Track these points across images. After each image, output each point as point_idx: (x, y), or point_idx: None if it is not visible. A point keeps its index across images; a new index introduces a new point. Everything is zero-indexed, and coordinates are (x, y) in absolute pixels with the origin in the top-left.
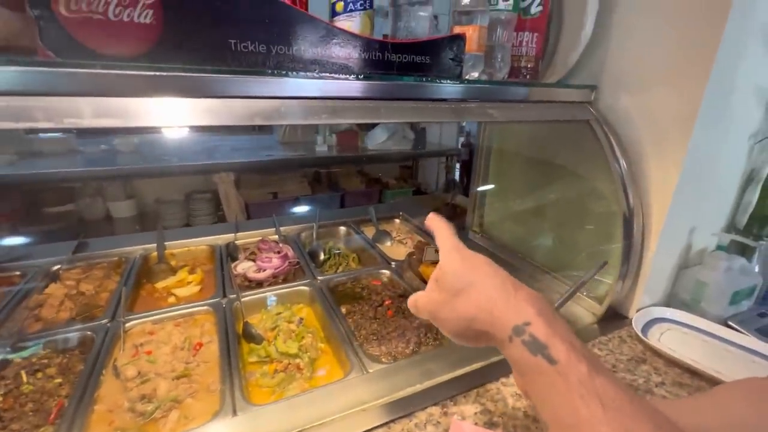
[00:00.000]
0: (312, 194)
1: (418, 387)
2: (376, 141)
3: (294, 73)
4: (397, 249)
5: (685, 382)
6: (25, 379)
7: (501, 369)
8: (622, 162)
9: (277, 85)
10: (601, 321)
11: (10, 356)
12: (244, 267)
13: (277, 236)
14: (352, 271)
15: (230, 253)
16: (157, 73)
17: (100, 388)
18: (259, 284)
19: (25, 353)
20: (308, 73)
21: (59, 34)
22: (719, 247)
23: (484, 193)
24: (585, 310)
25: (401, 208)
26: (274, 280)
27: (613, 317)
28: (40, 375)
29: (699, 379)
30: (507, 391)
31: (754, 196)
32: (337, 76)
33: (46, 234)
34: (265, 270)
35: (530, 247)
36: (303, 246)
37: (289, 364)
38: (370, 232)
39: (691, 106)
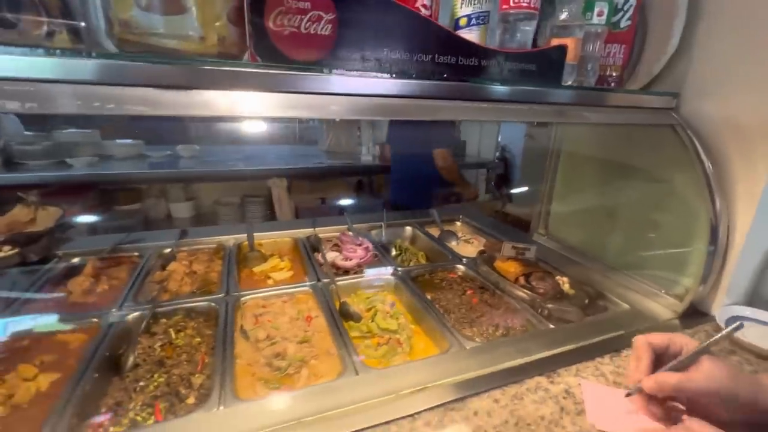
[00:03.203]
0: (357, 201)
1: (519, 361)
2: None
3: (435, 76)
4: (464, 248)
5: None
6: (174, 335)
7: (596, 350)
8: (708, 165)
9: (417, 85)
10: (682, 317)
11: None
12: (332, 256)
13: (351, 233)
14: (429, 264)
15: (312, 244)
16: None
17: (236, 347)
18: (346, 272)
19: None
20: (441, 78)
21: (266, 43)
22: None
23: (551, 196)
24: (664, 307)
25: (459, 213)
26: (359, 268)
27: (694, 314)
28: (182, 334)
29: None
30: (605, 368)
31: None
32: (465, 79)
33: (116, 229)
34: (351, 259)
35: (602, 248)
36: (377, 244)
37: (390, 338)
38: (434, 232)
39: None
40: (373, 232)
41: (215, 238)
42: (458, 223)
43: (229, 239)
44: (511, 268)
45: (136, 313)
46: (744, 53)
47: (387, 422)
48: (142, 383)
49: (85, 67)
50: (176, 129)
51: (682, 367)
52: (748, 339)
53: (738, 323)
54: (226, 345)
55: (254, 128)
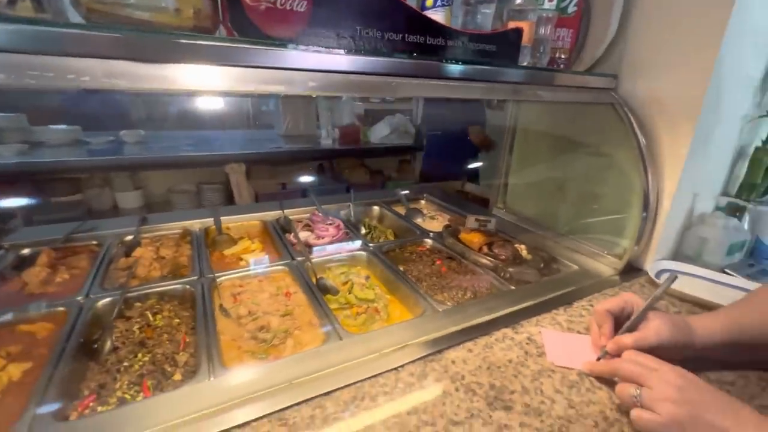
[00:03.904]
0: (319, 185)
1: (487, 317)
2: (379, 135)
3: (400, 54)
4: (429, 223)
5: (695, 312)
6: (151, 317)
7: (552, 304)
8: (641, 139)
9: (389, 63)
10: (621, 273)
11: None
12: (304, 235)
13: (321, 214)
14: (399, 239)
15: (282, 225)
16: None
17: (218, 324)
18: (320, 249)
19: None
20: (407, 55)
21: (242, 17)
22: (717, 209)
23: (508, 171)
24: (606, 266)
25: (422, 192)
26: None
27: (631, 270)
28: (159, 316)
29: (707, 310)
30: (560, 318)
31: (743, 168)
32: (430, 58)
33: (57, 222)
34: (324, 237)
35: (553, 218)
36: (347, 222)
37: (368, 307)
38: (400, 210)
39: (698, 92)
40: (342, 212)
41: (178, 223)
42: (423, 202)
43: (194, 224)
44: (475, 239)
45: (107, 300)
46: (667, 38)
47: (375, 375)
48: (126, 363)
49: (48, 36)
50: (118, 113)
51: (636, 324)
52: (676, 287)
53: (673, 276)
54: (208, 323)
55: (205, 112)
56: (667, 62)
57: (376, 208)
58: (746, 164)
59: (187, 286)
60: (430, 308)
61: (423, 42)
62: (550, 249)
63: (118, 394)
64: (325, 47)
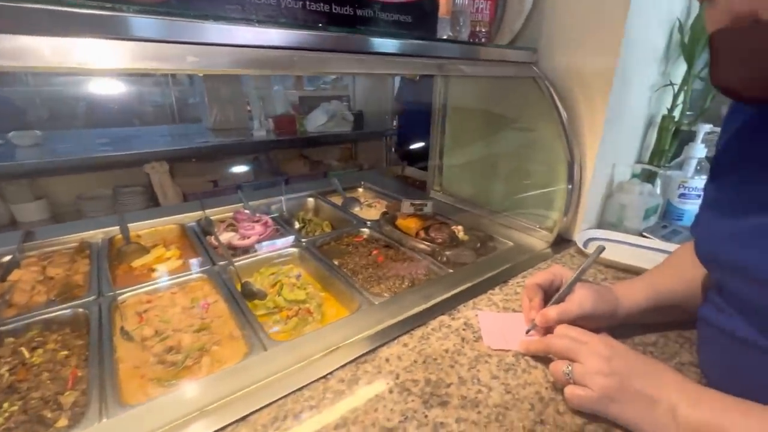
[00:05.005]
0: (255, 180)
1: (424, 306)
2: (316, 124)
3: (307, 24)
4: (367, 212)
5: (620, 276)
6: (27, 354)
7: (489, 284)
8: (563, 113)
9: (263, 34)
10: (552, 246)
11: None
12: (227, 237)
13: (247, 210)
14: (333, 232)
15: (204, 228)
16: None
17: (117, 351)
18: (245, 251)
19: None
20: (308, 26)
21: None
22: (633, 176)
23: (442, 153)
24: (539, 239)
25: (360, 179)
26: (260, 246)
27: (561, 242)
28: (40, 351)
29: (630, 274)
30: (496, 298)
31: (653, 136)
32: (338, 29)
33: None
34: (249, 237)
35: (488, 196)
36: (277, 218)
37: (300, 309)
38: (337, 200)
39: (610, 64)
40: (273, 207)
41: (75, 235)
42: (360, 190)
43: (96, 234)
44: (412, 224)
45: None
46: (580, 12)
47: (299, 389)
48: None
49: None
50: (4, 112)
51: (564, 296)
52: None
53: (600, 246)
54: (104, 351)
55: (120, 107)
56: (582, 35)
57: (310, 200)
58: (656, 132)
59: (80, 310)
60: (365, 302)
61: (328, 11)
62: (486, 228)
63: None
64: (202, 16)
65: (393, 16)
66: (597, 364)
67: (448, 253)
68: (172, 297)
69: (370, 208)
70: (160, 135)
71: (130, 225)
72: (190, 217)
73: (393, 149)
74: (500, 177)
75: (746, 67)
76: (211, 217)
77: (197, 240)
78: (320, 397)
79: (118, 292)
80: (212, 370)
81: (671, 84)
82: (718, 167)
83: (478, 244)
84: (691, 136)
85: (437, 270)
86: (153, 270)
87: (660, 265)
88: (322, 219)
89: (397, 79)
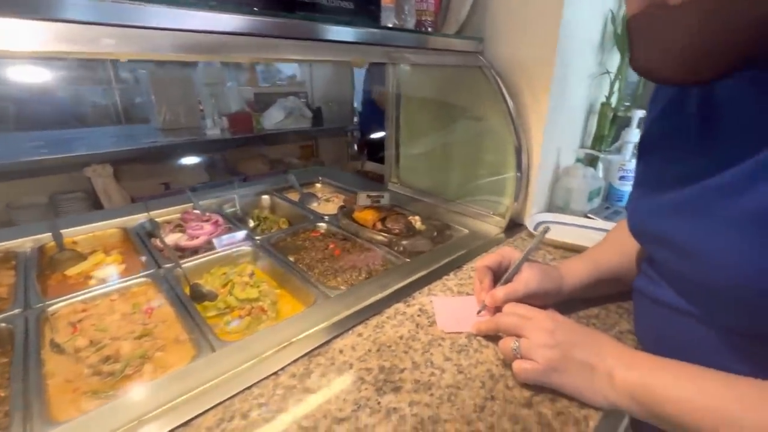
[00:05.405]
0: (211, 181)
1: (380, 295)
2: (273, 121)
3: (240, 8)
4: (325, 207)
5: (567, 255)
6: None
7: (444, 270)
8: (509, 101)
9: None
10: (506, 231)
11: None
12: (173, 238)
13: (197, 210)
14: (289, 228)
15: (148, 231)
16: None
17: (46, 366)
18: (195, 251)
19: None
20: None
21: None
22: (577, 161)
23: (398, 145)
24: (492, 225)
25: (317, 175)
26: (210, 246)
27: (514, 227)
28: None
29: (576, 253)
30: (450, 283)
31: (594, 122)
32: (276, 12)
33: None
34: (198, 237)
35: (444, 186)
36: (229, 217)
37: (253, 307)
38: (294, 197)
39: (550, 53)
40: (226, 206)
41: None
42: (318, 185)
43: (24, 243)
44: (369, 216)
45: None
46: (520, 2)
47: (248, 387)
48: None
49: None
50: None
51: (512, 276)
52: (548, 236)
53: (545, 227)
54: (29, 367)
55: (57, 107)
56: (523, 27)
57: (266, 197)
58: (596, 119)
59: (3, 324)
60: (321, 296)
61: None
62: (443, 216)
63: None
64: None
65: (334, 2)
66: (542, 338)
67: (404, 242)
68: (111, 304)
69: (328, 203)
70: (104, 137)
71: (65, 231)
72: (135, 220)
73: (355, 145)
74: (454, 166)
75: (658, 49)
76: (159, 219)
77: (141, 243)
78: (270, 394)
79: (48, 303)
80: (155, 377)
81: (608, 72)
82: (642, 147)
83: (435, 233)
84: (627, 122)
85: (394, 260)
86: (90, 278)
87: (600, 242)
88: (279, 216)
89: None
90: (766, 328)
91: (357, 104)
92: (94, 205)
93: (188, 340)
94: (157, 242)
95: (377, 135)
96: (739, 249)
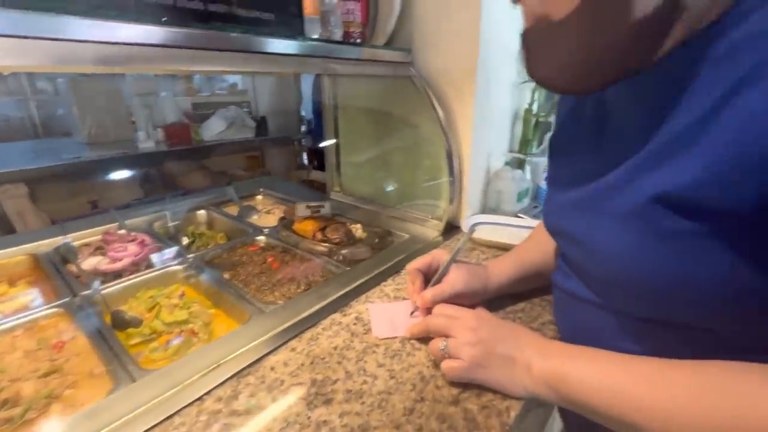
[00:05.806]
0: (146, 197)
1: (317, 306)
2: (213, 132)
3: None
4: (266, 219)
5: (499, 254)
6: None
7: (382, 277)
8: (440, 110)
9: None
10: (444, 233)
11: None
12: (92, 262)
13: (122, 230)
14: (225, 243)
15: (63, 255)
16: None
17: None
18: (118, 275)
19: None
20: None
21: None
22: (506, 164)
23: (338, 154)
24: (431, 229)
25: (259, 186)
26: (135, 268)
27: (452, 229)
28: None
29: (507, 251)
30: (388, 289)
31: (519, 127)
32: (190, 24)
33: None
34: (121, 259)
35: (384, 193)
36: (159, 236)
37: (182, 331)
38: (233, 210)
39: (472, 63)
40: (156, 224)
41: None
42: (259, 197)
43: None
44: (309, 227)
45: None
46: (444, 13)
47: (169, 416)
48: None
49: None
50: None
51: (441, 278)
52: (480, 236)
53: (471, 228)
54: None
55: None
56: (448, 37)
57: (202, 212)
58: (521, 124)
59: None
60: (256, 312)
61: (172, 4)
62: (385, 223)
63: None
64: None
65: (253, 13)
66: (467, 336)
67: (344, 251)
68: (13, 341)
69: (268, 215)
70: (17, 153)
71: None
72: (49, 244)
73: (304, 154)
74: (393, 173)
75: (550, 61)
76: (78, 242)
77: (54, 270)
78: (193, 422)
79: None
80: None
81: (528, 81)
82: (552, 148)
83: (377, 240)
84: (549, 126)
85: (334, 269)
86: None
87: (525, 240)
88: (216, 231)
89: (310, 79)
90: (652, 313)
91: (306, 113)
92: (8, 230)
93: (105, 373)
94: (73, 268)
95: (326, 143)
96: (620, 242)
